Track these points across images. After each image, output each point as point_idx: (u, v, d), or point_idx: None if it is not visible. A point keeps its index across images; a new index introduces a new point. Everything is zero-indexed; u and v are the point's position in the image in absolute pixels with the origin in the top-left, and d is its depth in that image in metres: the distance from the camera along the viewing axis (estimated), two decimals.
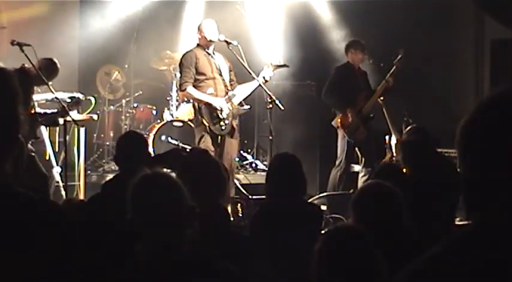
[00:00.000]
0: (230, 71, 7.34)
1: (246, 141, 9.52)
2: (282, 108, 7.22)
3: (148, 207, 2.57)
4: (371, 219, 3.17)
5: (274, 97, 7.18)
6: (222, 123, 7.04)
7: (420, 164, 5.19)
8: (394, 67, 7.93)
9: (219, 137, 7.07)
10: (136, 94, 9.31)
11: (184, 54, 7.26)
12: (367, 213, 3.24)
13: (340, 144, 8.08)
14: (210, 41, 7.15)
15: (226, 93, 7.17)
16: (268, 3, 9.76)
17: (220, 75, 7.19)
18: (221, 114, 7.02)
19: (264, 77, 7.16)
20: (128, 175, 3.98)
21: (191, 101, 7.30)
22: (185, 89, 7.11)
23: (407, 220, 3.34)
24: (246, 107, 7.42)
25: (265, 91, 7.23)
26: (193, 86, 7.07)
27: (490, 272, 1.34)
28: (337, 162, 8.08)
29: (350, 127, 7.95)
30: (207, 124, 7.00)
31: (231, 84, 7.29)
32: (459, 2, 9.73)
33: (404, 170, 5.06)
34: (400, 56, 7.94)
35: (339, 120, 8.02)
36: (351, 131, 7.94)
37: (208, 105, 7.02)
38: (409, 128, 6.48)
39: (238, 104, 7.27)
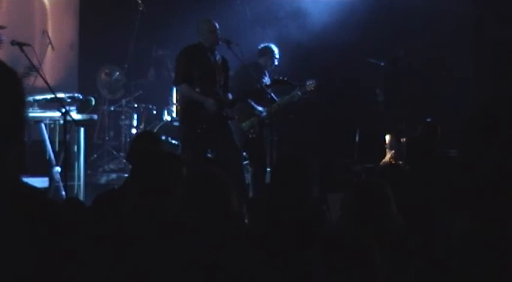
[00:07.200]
0: (226, 78, 7.11)
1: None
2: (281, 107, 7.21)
3: (199, 205, 2.61)
4: (359, 217, 3.19)
5: (273, 97, 7.17)
6: (205, 122, 6.83)
7: (425, 161, 5.20)
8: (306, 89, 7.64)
9: (201, 134, 6.86)
10: (136, 94, 9.30)
11: (184, 49, 7.03)
12: (354, 211, 3.26)
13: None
14: (211, 42, 7.03)
15: (219, 94, 7.05)
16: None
17: (219, 75, 7.11)
18: (207, 113, 6.79)
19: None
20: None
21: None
22: (179, 84, 7.03)
23: (399, 219, 3.35)
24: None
25: (265, 91, 7.23)
26: (189, 83, 6.86)
27: (491, 271, 1.34)
28: None
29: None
30: (189, 123, 6.87)
31: (224, 89, 7.09)
32: (459, 2, 9.73)
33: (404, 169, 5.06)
34: (310, 83, 7.62)
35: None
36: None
37: (195, 104, 6.82)
38: (424, 123, 6.46)
39: (231, 103, 7.15)
